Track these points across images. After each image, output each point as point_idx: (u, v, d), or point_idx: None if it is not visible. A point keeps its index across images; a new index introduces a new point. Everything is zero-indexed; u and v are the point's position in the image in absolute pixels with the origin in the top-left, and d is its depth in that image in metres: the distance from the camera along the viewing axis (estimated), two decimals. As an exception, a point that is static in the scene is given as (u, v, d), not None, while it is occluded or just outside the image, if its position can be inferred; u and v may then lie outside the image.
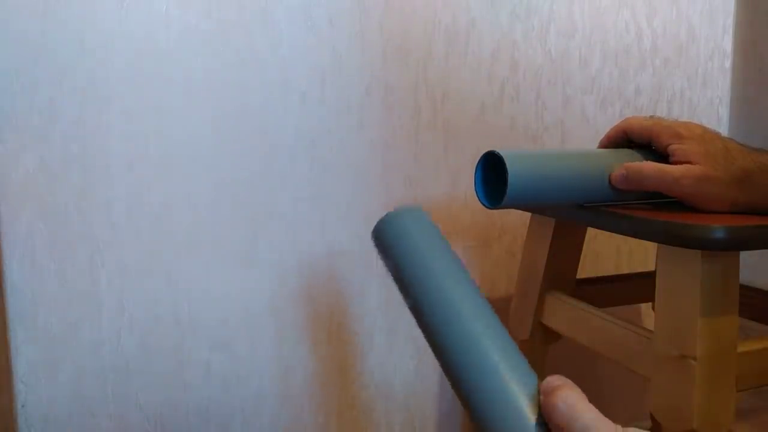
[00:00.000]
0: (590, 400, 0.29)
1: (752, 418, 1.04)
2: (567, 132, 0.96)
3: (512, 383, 0.31)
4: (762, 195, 0.52)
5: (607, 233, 0.94)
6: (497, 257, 0.93)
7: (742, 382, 0.52)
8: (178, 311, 0.75)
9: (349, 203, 0.82)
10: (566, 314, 0.69)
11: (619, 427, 0.28)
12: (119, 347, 0.73)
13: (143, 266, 0.73)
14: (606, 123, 0.97)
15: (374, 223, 0.37)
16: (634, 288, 0.88)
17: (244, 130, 0.75)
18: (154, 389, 0.75)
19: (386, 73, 0.82)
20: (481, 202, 0.53)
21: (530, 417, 0.29)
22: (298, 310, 0.81)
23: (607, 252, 1.03)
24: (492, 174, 0.53)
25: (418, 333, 0.34)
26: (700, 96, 1.08)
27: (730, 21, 1.09)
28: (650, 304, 0.92)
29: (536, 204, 0.63)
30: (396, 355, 0.88)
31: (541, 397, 0.29)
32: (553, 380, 0.30)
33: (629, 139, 0.58)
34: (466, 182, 0.89)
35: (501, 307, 0.43)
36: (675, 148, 0.53)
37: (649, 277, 0.68)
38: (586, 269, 1.00)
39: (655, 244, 0.54)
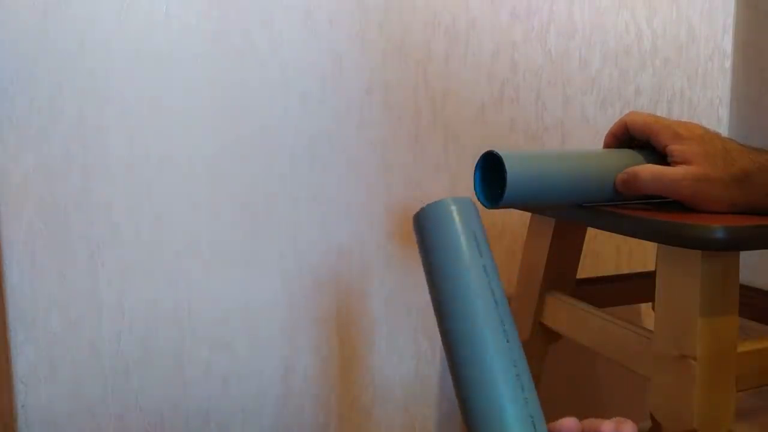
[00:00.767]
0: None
1: (752, 418, 1.04)
2: (567, 132, 0.96)
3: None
4: (762, 195, 0.52)
5: (607, 233, 0.94)
6: (497, 257, 0.93)
7: (742, 382, 0.52)
8: (178, 311, 0.75)
9: (349, 203, 0.82)
10: (566, 314, 0.69)
11: None
12: (119, 347, 0.73)
13: (143, 266, 0.73)
14: (606, 123, 0.96)
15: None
16: (634, 288, 0.88)
17: (244, 130, 0.75)
18: (154, 389, 0.75)
19: (386, 73, 0.82)
20: (481, 202, 0.53)
21: None
22: (298, 310, 0.81)
23: (607, 252, 1.03)
24: (491, 174, 0.53)
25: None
26: (700, 96, 1.08)
27: (730, 21, 1.09)
28: (650, 304, 0.92)
29: (535, 204, 0.63)
30: (396, 356, 0.88)
31: None
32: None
33: (632, 136, 0.58)
34: (465, 182, 0.89)
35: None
36: (674, 149, 0.53)
37: (649, 277, 0.69)
38: (586, 269, 1.00)
39: (655, 244, 0.54)
